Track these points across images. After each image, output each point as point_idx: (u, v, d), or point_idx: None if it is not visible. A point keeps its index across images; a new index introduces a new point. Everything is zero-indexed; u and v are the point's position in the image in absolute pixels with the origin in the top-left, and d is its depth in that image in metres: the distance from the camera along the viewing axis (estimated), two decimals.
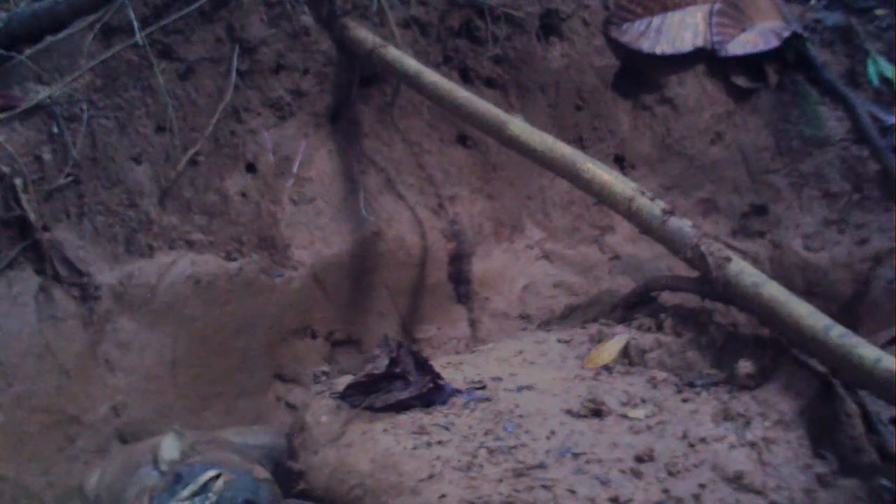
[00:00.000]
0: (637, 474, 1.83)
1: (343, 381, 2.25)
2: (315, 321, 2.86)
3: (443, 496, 1.78)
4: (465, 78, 3.13)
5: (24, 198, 2.41)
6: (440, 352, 2.91)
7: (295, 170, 2.84)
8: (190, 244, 2.64)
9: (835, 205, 3.19)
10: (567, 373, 2.30)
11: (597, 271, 3.22)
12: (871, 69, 3.29)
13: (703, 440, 1.93)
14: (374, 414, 2.11)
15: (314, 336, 2.87)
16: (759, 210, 3.28)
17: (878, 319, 2.83)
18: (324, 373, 2.81)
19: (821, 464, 1.92)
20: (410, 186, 3.05)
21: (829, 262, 3.10)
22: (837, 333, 2.00)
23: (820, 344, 2.03)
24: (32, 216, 2.41)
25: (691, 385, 2.18)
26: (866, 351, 1.93)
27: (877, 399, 2.05)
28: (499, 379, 2.26)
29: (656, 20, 3.30)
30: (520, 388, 2.20)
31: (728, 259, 2.26)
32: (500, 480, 1.81)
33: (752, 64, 3.32)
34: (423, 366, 2.16)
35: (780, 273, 3.09)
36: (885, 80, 3.28)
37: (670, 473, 1.84)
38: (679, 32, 3.29)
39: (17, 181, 2.41)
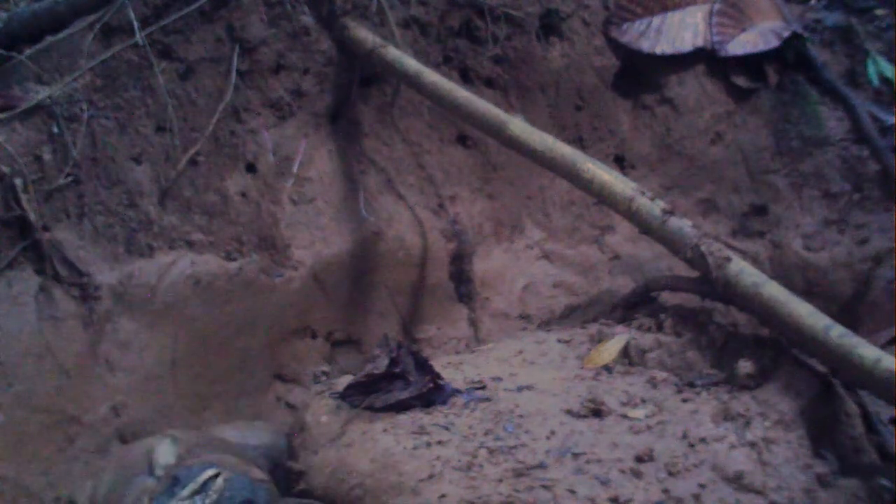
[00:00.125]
0: (637, 474, 1.83)
1: (343, 381, 2.25)
2: (315, 321, 2.86)
3: (443, 496, 1.78)
4: (465, 78, 3.13)
5: (24, 198, 2.41)
6: (440, 352, 2.91)
7: (295, 170, 2.84)
8: (190, 244, 2.64)
9: (835, 205, 3.19)
10: (567, 373, 2.30)
11: (597, 271, 3.22)
12: (871, 69, 3.29)
13: (703, 440, 1.93)
14: (374, 414, 2.11)
15: (314, 336, 2.87)
16: (759, 210, 3.28)
17: (878, 319, 2.83)
18: (324, 373, 2.81)
19: (821, 464, 1.92)
20: (410, 186, 3.05)
21: (829, 262, 3.10)
22: (837, 333, 2.00)
23: (820, 344, 2.03)
24: (32, 216, 2.41)
25: (691, 385, 2.18)
26: (866, 351, 1.93)
27: (877, 399, 2.05)
28: (499, 379, 2.26)
29: (656, 20, 3.30)
30: (520, 388, 2.20)
31: (728, 259, 2.26)
32: (500, 480, 1.81)
33: (752, 64, 3.32)
34: (423, 366, 2.16)
35: (780, 273, 3.09)
36: (885, 80, 3.28)
37: (670, 473, 1.84)
38: (679, 32, 3.29)
39: (17, 181, 2.41)
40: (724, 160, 3.33)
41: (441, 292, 3.05)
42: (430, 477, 1.84)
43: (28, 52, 2.51)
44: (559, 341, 2.48)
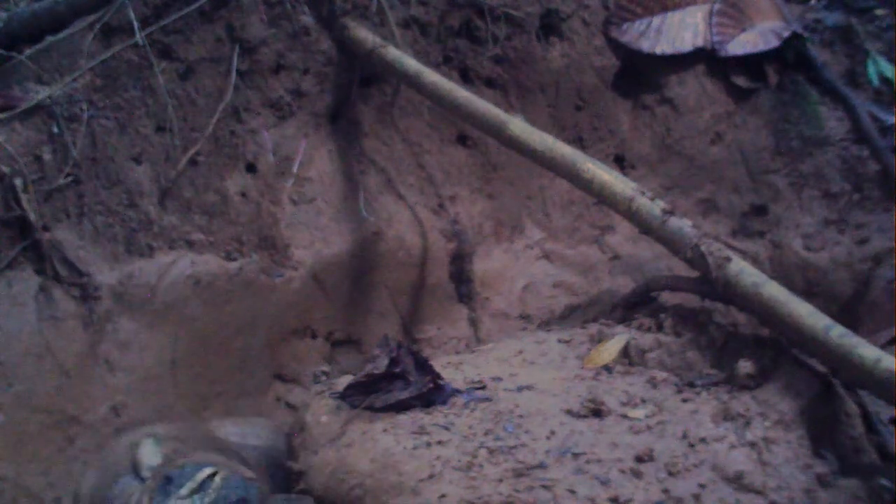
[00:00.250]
0: (637, 474, 1.83)
1: (343, 381, 2.25)
2: (315, 321, 2.86)
3: (443, 496, 1.78)
4: (465, 78, 3.13)
5: (24, 198, 2.41)
6: (440, 352, 2.91)
7: (295, 170, 2.84)
8: (190, 244, 2.64)
9: (835, 205, 3.19)
10: (567, 373, 2.30)
11: (597, 271, 3.22)
12: (871, 69, 3.29)
13: (703, 440, 1.93)
14: (374, 414, 2.11)
15: (314, 336, 2.87)
16: (759, 210, 3.28)
17: (878, 319, 2.83)
18: (324, 373, 2.81)
19: (821, 464, 1.92)
20: (410, 186, 3.05)
21: (829, 262, 3.10)
22: (837, 333, 2.00)
23: (820, 344, 2.03)
24: (32, 216, 2.41)
25: (691, 385, 2.18)
26: (866, 351, 1.93)
27: (877, 399, 2.05)
28: (499, 379, 2.26)
29: (656, 20, 3.30)
30: (520, 388, 2.20)
31: (728, 259, 2.26)
32: (500, 480, 1.81)
33: (752, 64, 3.32)
34: (423, 366, 2.16)
35: (780, 273, 3.09)
36: (885, 80, 3.28)
37: (670, 473, 1.84)
38: (679, 32, 3.29)
39: (17, 181, 2.41)
40: (724, 160, 3.33)
41: (441, 292, 3.05)
42: (430, 477, 1.84)
43: (28, 52, 2.51)
44: (559, 341, 2.48)
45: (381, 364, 2.14)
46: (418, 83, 2.74)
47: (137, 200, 2.59)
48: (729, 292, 2.26)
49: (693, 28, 3.29)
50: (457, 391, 2.18)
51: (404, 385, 2.13)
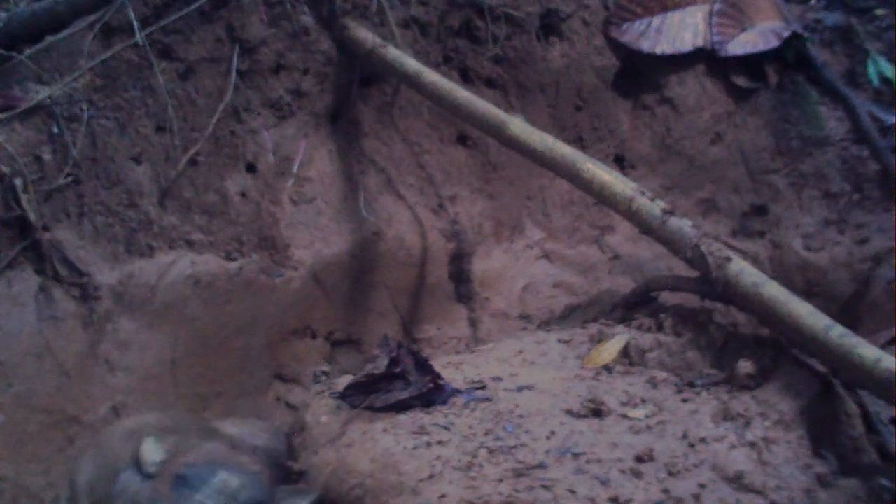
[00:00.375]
0: (637, 474, 1.83)
1: (343, 381, 2.25)
2: (315, 321, 2.86)
3: (443, 496, 1.78)
4: (465, 78, 3.13)
5: (24, 198, 2.41)
6: (440, 352, 2.91)
7: (295, 170, 2.84)
8: (190, 244, 2.64)
9: (835, 205, 3.19)
10: (567, 373, 2.30)
11: (597, 271, 3.22)
12: (871, 69, 3.29)
13: (703, 440, 1.93)
14: (374, 414, 2.11)
15: (314, 336, 2.87)
16: (759, 210, 3.28)
17: (878, 319, 2.83)
18: (324, 373, 2.81)
19: (821, 464, 1.92)
20: (410, 186, 3.05)
21: (829, 262, 3.10)
22: (837, 333, 2.00)
23: (820, 344, 2.03)
24: (32, 216, 2.41)
25: (691, 385, 2.18)
26: (866, 351, 1.93)
27: (877, 399, 2.05)
28: (499, 379, 2.26)
29: (656, 20, 3.30)
30: (520, 388, 2.20)
31: (728, 259, 2.26)
32: (500, 480, 1.81)
33: (752, 64, 3.32)
34: (423, 366, 2.17)
35: (780, 273, 3.09)
36: (885, 80, 3.28)
37: (670, 473, 1.84)
38: (679, 32, 3.29)
39: (17, 181, 2.41)
40: (724, 160, 3.33)
41: (441, 292, 3.05)
42: (430, 477, 1.84)
43: (28, 52, 2.51)
44: (559, 341, 2.48)
45: (381, 364, 2.14)
46: (418, 83, 2.74)
47: (137, 200, 2.59)
48: (729, 292, 2.26)
49: (693, 28, 3.29)
50: (457, 391, 2.18)
51: (404, 385, 2.13)
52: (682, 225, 2.37)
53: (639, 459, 1.88)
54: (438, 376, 2.16)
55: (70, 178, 2.49)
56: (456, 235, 3.06)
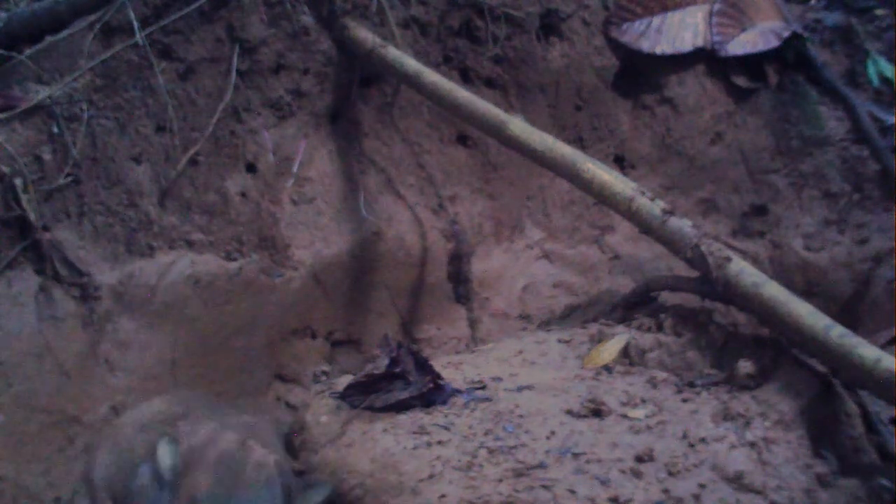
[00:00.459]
0: (637, 474, 1.83)
1: (343, 381, 2.25)
2: (315, 321, 2.86)
3: (443, 496, 1.78)
4: (465, 78, 3.13)
5: (24, 198, 2.40)
6: (440, 352, 2.91)
7: (295, 170, 2.84)
8: (190, 244, 2.64)
9: (835, 205, 3.19)
10: (567, 373, 2.30)
11: (597, 271, 3.22)
12: (871, 69, 3.29)
13: (703, 440, 1.93)
14: (374, 414, 2.11)
15: (314, 336, 2.87)
16: (759, 210, 3.28)
17: (878, 319, 2.83)
18: (324, 373, 2.81)
19: (821, 464, 1.92)
20: (410, 186, 3.05)
21: (829, 262, 3.10)
22: (837, 333, 2.00)
23: (820, 344, 2.03)
24: (32, 216, 2.41)
25: (691, 385, 2.18)
26: (866, 351, 1.93)
27: (877, 399, 2.05)
28: (499, 379, 2.26)
29: (656, 20, 3.30)
30: (520, 388, 2.20)
31: (728, 259, 2.26)
32: (500, 480, 1.81)
33: (752, 64, 3.32)
34: (423, 366, 2.17)
35: (780, 273, 3.09)
36: (885, 80, 3.28)
37: (670, 473, 1.84)
38: (679, 32, 3.29)
39: (17, 181, 2.41)
40: (724, 160, 3.33)
41: (441, 292, 3.05)
42: (430, 477, 1.84)
43: (28, 52, 2.50)
44: (559, 341, 2.48)
45: (382, 364, 2.14)
46: (418, 83, 2.74)
47: (137, 200, 2.59)
48: (729, 292, 2.26)
49: (693, 28, 3.29)
50: (457, 391, 2.18)
51: (404, 385, 2.13)
52: (682, 225, 2.37)
53: (639, 459, 1.88)
54: (438, 376, 2.16)
55: (70, 178, 2.49)
56: (455, 235, 3.06)
